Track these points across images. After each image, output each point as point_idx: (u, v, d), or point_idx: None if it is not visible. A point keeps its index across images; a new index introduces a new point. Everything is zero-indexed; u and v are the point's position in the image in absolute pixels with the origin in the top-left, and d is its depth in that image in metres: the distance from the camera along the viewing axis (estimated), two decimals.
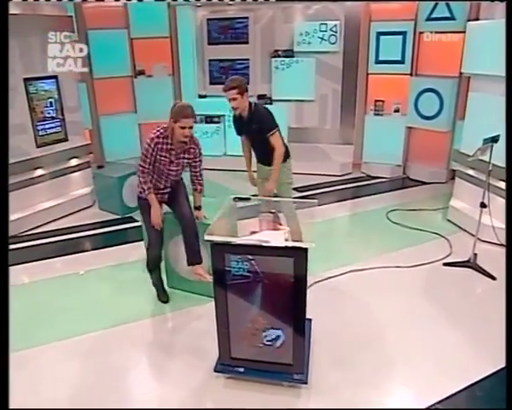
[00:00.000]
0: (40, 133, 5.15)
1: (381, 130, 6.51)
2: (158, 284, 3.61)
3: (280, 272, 2.48)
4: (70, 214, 5.42)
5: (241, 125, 3.67)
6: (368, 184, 6.51)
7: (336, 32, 6.18)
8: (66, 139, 5.43)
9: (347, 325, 3.30)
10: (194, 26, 6.76)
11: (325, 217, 5.24)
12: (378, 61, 6.28)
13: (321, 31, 6.21)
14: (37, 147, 5.13)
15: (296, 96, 6.39)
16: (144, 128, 7.08)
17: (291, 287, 2.50)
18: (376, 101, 6.52)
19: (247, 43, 6.61)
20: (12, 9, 4.66)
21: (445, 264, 4.13)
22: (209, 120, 6.92)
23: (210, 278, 3.20)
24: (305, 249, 2.41)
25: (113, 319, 3.39)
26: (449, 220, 5.04)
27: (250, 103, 3.51)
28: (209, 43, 6.75)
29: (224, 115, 6.88)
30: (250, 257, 2.48)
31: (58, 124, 5.33)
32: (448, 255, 4.29)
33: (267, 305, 2.58)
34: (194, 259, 3.36)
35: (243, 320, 2.64)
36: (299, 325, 2.60)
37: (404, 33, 5.99)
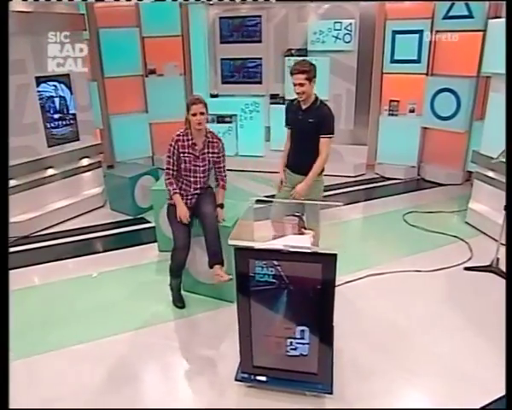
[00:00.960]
0: (51, 132, 5.06)
1: (396, 130, 6.38)
2: (175, 289, 3.50)
3: (307, 279, 2.38)
4: (81, 215, 5.33)
5: (294, 114, 3.33)
6: (382, 186, 6.38)
7: (351, 31, 6.05)
8: (77, 138, 5.33)
9: (369, 332, 3.19)
10: (207, 25, 6.65)
11: (340, 219, 5.11)
12: (393, 61, 6.14)
13: (335, 29, 6.08)
14: (49, 146, 5.04)
15: None
16: (155, 128, 7.01)
17: (318, 294, 2.39)
18: (391, 101, 6.37)
19: (259, 41, 6.48)
20: (24, 7, 4.58)
21: (467, 268, 4.00)
22: (221, 119, 6.80)
23: (228, 277, 3.17)
24: (335, 255, 2.31)
25: (126, 324, 3.29)
26: (467, 223, 4.91)
27: (316, 96, 3.23)
28: (221, 42, 6.64)
29: (235, 115, 6.78)
30: (276, 263, 2.37)
31: (69, 123, 5.23)
32: (469, 259, 4.16)
33: (292, 312, 2.47)
34: (215, 259, 3.25)
35: (267, 328, 2.54)
36: (326, 332, 2.49)
37: (420, 32, 5.85)
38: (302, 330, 2.50)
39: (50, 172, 5.10)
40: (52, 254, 4.43)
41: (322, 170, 3.42)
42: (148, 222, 5.08)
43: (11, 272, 3.67)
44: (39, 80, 4.84)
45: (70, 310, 3.51)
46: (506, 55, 3.54)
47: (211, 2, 6.37)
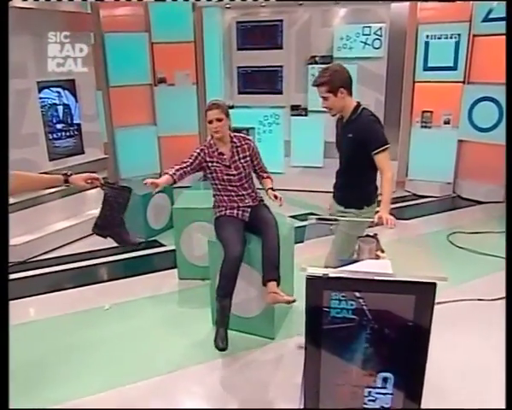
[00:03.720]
0: (53, 144, 4.70)
1: (429, 144, 6.09)
2: (221, 320, 2.93)
3: (395, 314, 1.98)
4: (85, 237, 4.88)
5: (337, 130, 2.85)
6: (416, 204, 6.05)
7: (381, 36, 5.81)
8: (82, 152, 4.98)
9: (434, 372, 2.75)
10: (222, 30, 6.39)
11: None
12: (427, 68, 5.90)
13: (364, 34, 5.84)
14: (50, 160, 4.68)
15: None
16: (165, 142, 6.69)
17: (408, 332, 1.99)
18: (424, 112, 6.11)
19: (280, 48, 6.22)
20: (25, 4, 4.26)
21: None
22: (237, 133, 6.42)
23: (288, 298, 2.82)
24: (433, 285, 1.92)
25: (151, 367, 2.85)
26: None
27: (358, 104, 2.66)
28: (238, 49, 6.38)
29: (253, 128, 6.46)
30: (358, 295, 1.97)
31: (74, 134, 4.89)
32: None
33: (374, 356, 2.07)
34: (271, 274, 2.87)
35: (340, 375, 2.12)
36: (415, 380, 2.07)
37: (457, 36, 5.62)
38: (385, 378, 2.09)
39: (51, 189, 4.67)
40: (53, 283, 4.01)
41: (375, 199, 2.85)
42: (163, 245, 4.70)
43: None
44: (41, 86, 4.49)
45: (79, 351, 3.05)
46: (506, 55, 3.36)
47: (227, 5, 6.11)
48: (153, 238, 4.84)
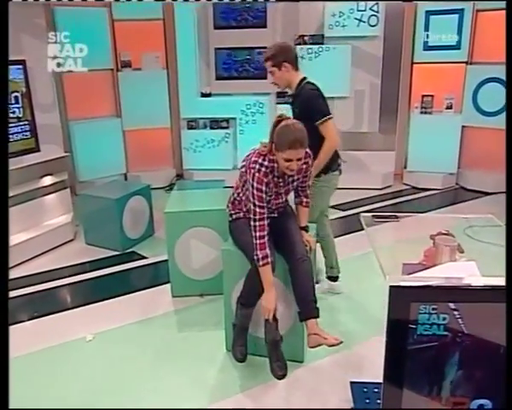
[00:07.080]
0: None
1: (430, 131, 6.10)
2: (241, 328, 2.79)
3: (497, 327, 1.76)
4: (45, 253, 4.46)
5: (291, 106, 3.29)
6: (416, 199, 6.02)
7: (378, 12, 5.70)
8: (37, 149, 4.51)
9: None
10: (196, 6, 6.08)
11: (384, 242, 4.59)
12: (427, 48, 5.91)
13: (359, 10, 5.71)
14: None
15: (326, 91, 5.71)
16: (130, 136, 6.37)
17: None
18: (424, 96, 6.13)
19: (264, 27, 5.99)
20: None
21: None
22: (215, 125, 6.25)
23: (332, 340, 2.51)
24: None
25: None
26: None
27: (303, 79, 3.09)
28: (215, 28, 6.08)
29: (234, 118, 6.25)
30: (452, 306, 1.74)
31: (26, 128, 4.41)
32: None
33: (467, 379, 1.86)
34: (308, 311, 2.60)
35: (426, 403, 1.89)
36: None
37: (460, 12, 5.64)
38: (481, 405, 1.89)
39: None
40: (12, 313, 3.45)
41: (331, 168, 3.22)
42: (144, 258, 4.34)
43: None
44: None
45: (61, 398, 2.63)
46: (506, 54, 3.41)
47: None
48: (130, 250, 4.48)
